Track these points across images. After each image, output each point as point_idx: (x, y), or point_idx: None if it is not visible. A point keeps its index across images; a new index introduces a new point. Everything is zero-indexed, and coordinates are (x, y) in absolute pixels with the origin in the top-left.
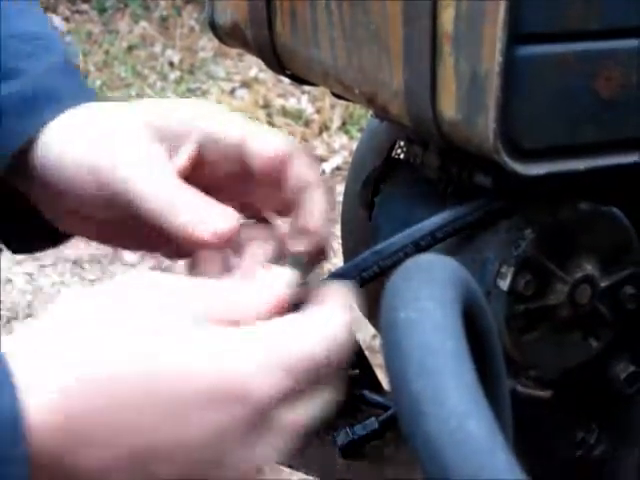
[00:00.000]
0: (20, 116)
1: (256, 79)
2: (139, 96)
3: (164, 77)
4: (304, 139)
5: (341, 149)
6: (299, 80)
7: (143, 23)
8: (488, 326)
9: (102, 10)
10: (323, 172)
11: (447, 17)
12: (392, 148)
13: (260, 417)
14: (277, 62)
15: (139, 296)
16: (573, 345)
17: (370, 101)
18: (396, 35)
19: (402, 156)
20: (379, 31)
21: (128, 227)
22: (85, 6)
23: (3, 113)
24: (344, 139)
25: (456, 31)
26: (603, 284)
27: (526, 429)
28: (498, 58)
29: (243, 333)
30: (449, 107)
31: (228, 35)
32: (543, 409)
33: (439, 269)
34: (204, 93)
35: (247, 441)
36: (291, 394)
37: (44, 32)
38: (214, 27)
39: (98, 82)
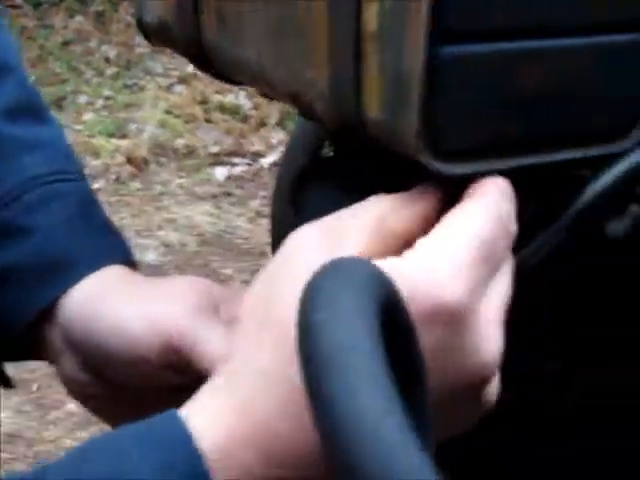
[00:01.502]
0: (38, 282)
1: (194, 75)
2: (74, 92)
3: (100, 73)
4: (242, 135)
5: (279, 145)
6: (227, 79)
7: (79, 18)
8: (407, 328)
9: (36, 4)
10: (261, 168)
11: (371, 15)
12: (321, 146)
13: (465, 320)
14: (204, 61)
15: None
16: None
17: (295, 101)
18: (321, 33)
19: (330, 154)
20: (304, 29)
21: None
22: (19, 0)
23: (17, 280)
24: (282, 135)
25: (380, 30)
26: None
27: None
28: (421, 57)
29: (411, 254)
30: (373, 107)
31: (156, 34)
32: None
33: (356, 270)
34: (141, 89)
35: (466, 346)
36: (480, 285)
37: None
38: (142, 26)
39: (32, 77)
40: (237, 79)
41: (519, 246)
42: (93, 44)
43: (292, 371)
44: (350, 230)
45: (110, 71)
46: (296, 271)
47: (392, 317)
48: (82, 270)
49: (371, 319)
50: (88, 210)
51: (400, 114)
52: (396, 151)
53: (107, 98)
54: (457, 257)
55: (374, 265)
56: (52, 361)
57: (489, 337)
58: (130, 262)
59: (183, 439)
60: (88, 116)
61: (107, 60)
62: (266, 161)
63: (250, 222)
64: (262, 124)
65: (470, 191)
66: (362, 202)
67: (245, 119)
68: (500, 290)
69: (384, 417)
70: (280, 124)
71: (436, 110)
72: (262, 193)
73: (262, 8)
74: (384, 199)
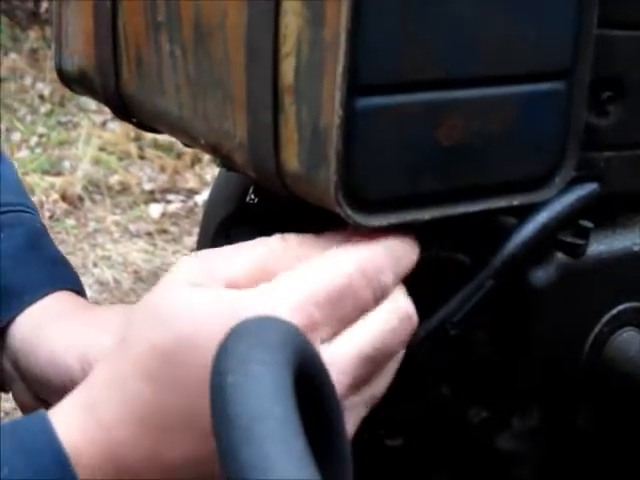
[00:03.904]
0: None
1: None
2: (8, 130)
3: (34, 110)
4: (176, 172)
5: (213, 181)
6: (148, 129)
7: (12, 55)
8: (323, 389)
9: None
10: (195, 205)
11: (288, 68)
12: (245, 193)
13: None
14: (124, 110)
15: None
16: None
17: (215, 151)
18: (239, 84)
19: (254, 201)
20: (222, 80)
21: None
22: None
23: None
24: (216, 172)
25: (297, 82)
26: (453, 331)
27: None
28: (338, 110)
29: (263, 288)
30: (291, 159)
31: (75, 82)
32: (394, 458)
33: (271, 331)
34: (75, 126)
35: None
36: (318, 329)
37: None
38: (61, 74)
39: None
40: (158, 129)
41: (442, 298)
42: (27, 81)
43: (135, 386)
44: (228, 265)
45: (44, 108)
46: (151, 300)
47: (308, 378)
48: (28, 298)
49: (285, 380)
50: (39, 242)
51: (318, 166)
52: (315, 203)
53: (41, 135)
54: (295, 296)
55: (287, 323)
56: (6, 386)
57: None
58: (77, 289)
59: (45, 437)
60: (22, 154)
61: (41, 97)
62: (201, 198)
63: None
64: (196, 161)
65: (355, 239)
66: (256, 240)
67: (179, 156)
68: (357, 335)
69: None
70: (214, 161)
71: (353, 162)
72: (197, 230)
73: (181, 59)
74: (278, 239)
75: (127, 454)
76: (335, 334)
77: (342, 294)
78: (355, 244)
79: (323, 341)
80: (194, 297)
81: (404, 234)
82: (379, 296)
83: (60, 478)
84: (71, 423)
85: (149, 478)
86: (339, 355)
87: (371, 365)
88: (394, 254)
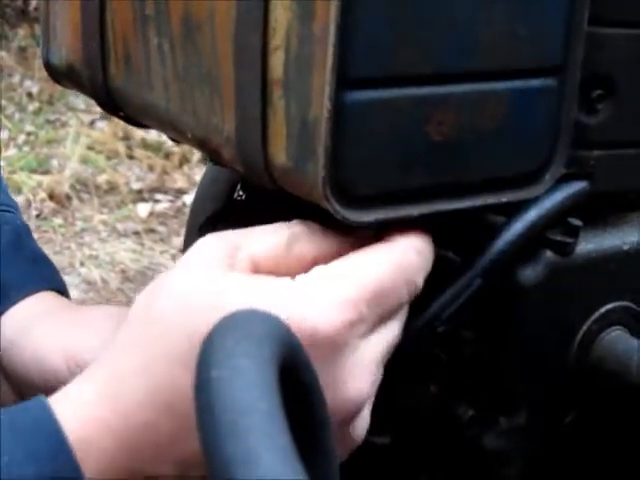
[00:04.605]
0: None
1: None
2: None
3: (22, 108)
4: (165, 171)
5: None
6: (136, 123)
7: (1, 53)
8: (309, 382)
9: None
10: (184, 205)
11: (277, 62)
12: (232, 190)
13: (338, 353)
14: (111, 105)
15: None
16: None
17: (203, 146)
18: (227, 78)
19: (242, 197)
20: (211, 74)
21: None
22: None
23: None
24: (205, 170)
25: (286, 76)
26: (442, 329)
27: (366, 478)
28: (327, 104)
29: (303, 277)
30: (280, 153)
31: (63, 76)
32: (382, 456)
33: (256, 324)
34: (63, 125)
35: (329, 378)
36: (361, 325)
37: None
38: (49, 68)
39: None
40: (145, 123)
41: (430, 295)
42: (15, 79)
43: (166, 369)
44: (250, 247)
45: (32, 106)
46: (179, 283)
47: (293, 371)
48: (13, 298)
49: (270, 374)
50: (21, 241)
51: (306, 160)
52: (303, 197)
53: (29, 134)
54: (345, 291)
55: (273, 316)
56: None
57: (360, 376)
58: (60, 289)
59: (47, 426)
60: (10, 152)
61: (29, 95)
62: (189, 198)
63: (173, 259)
64: (185, 161)
65: (386, 237)
66: (279, 223)
67: (168, 156)
68: (388, 335)
69: None
70: (203, 161)
71: (342, 157)
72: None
73: (169, 53)
74: (300, 224)
75: (144, 442)
76: (372, 331)
77: (386, 292)
78: (389, 243)
79: (360, 337)
80: (230, 284)
81: (425, 232)
82: (413, 296)
83: (58, 466)
84: (85, 412)
85: (163, 467)
86: (371, 354)
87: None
88: (422, 254)
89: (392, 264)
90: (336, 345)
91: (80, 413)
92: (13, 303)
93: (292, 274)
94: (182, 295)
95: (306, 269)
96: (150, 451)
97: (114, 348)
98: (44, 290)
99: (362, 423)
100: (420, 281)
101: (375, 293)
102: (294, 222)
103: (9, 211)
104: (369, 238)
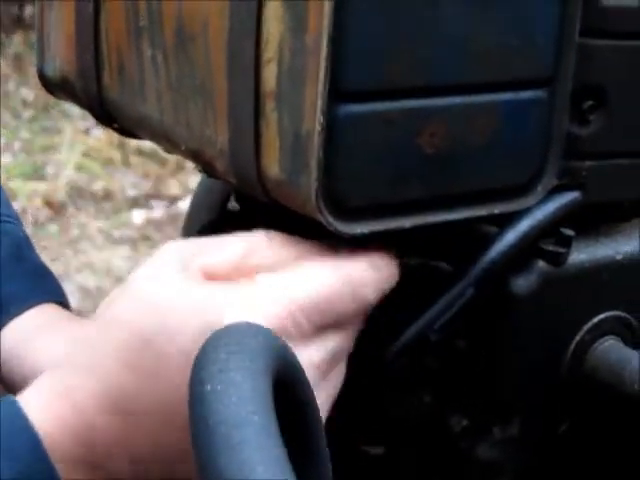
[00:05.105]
0: None
1: None
2: None
3: (18, 115)
4: (160, 178)
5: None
6: (130, 135)
7: None
8: (303, 396)
9: None
10: (179, 212)
11: (269, 74)
12: (226, 200)
13: None
14: (105, 116)
15: None
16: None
17: (196, 158)
18: (221, 90)
19: (236, 208)
20: (204, 85)
21: None
22: None
23: None
24: (199, 178)
25: (279, 88)
26: (435, 339)
27: None
28: (319, 117)
29: (245, 281)
30: (273, 166)
31: (57, 87)
32: (375, 467)
33: (250, 338)
34: (59, 132)
35: None
36: (294, 331)
37: None
38: (43, 78)
39: None
40: (139, 135)
41: (423, 305)
42: (11, 87)
43: (112, 368)
44: (205, 256)
45: (27, 113)
46: (135, 287)
47: (287, 385)
48: (14, 310)
49: (264, 388)
50: (22, 253)
51: (299, 173)
52: (296, 209)
53: (24, 141)
54: (281, 300)
55: (267, 329)
56: None
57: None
58: (61, 301)
59: (19, 422)
60: (5, 159)
61: (24, 103)
62: (184, 204)
63: None
64: (180, 168)
65: (346, 251)
66: (240, 233)
67: (163, 163)
68: (328, 344)
69: None
70: (197, 168)
71: (335, 169)
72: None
73: (162, 65)
74: (261, 233)
75: (98, 438)
76: (310, 338)
77: (328, 303)
78: (341, 256)
79: (294, 342)
80: (182, 287)
81: (386, 250)
82: (360, 311)
83: (33, 462)
84: (44, 408)
85: (118, 464)
86: (305, 359)
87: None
88: (377, 269)
89: (337, 276)
90: None
91: (41, 410)
92: (13, 316)
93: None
94: (134, 293)
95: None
96: (104, 448)
97: (73, 347)
98: (45, 303)
99: None
100: (371, 296)
101: (314, 303)
102: (255, 232)
103: (9, 222)
104: (332, 249)
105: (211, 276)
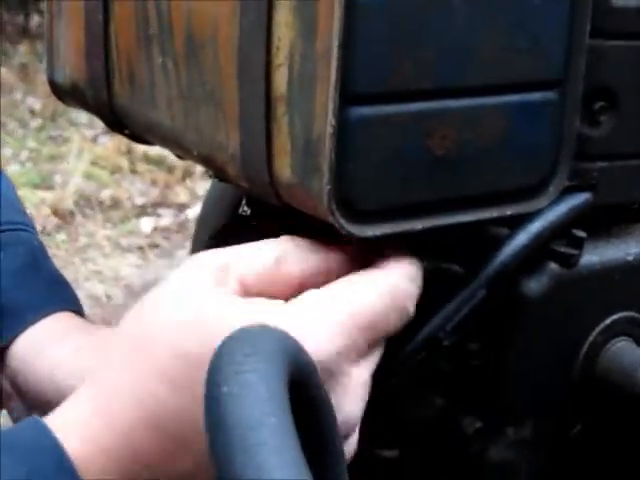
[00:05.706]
0: None
1: None
2: None
3: (25, 125)
4: (167, 186)
5: (205, 195)
6: (140, 140)
7: (3, 69)
8: (318, 397)
9: None
10: (187, 219)
11: (280, 79)
12: (238, 204)
13: (332, 380)
14: (116, 123)
15: None
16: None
17: (208, 163)
18: (231, 96)
19: (247, 213)
20: (214, 91)
21: None
22: None
23: None
24: (207, 185)
25: (290, 93)
26: (447, 341)
27: None
28: (330, 120)
29: (296, 302)
30: (284, 170)
31: (67, 94)
32: (389, 469)
33: (265, 340)
34: (66, 140)
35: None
36: (353, 352)
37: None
38: (54, 85)
39: None
40: (150, 140)
41: (437, 307)
42: (18, 96)
43: (152, 387)
44: (239, 267)
45: (35, 123)
46: (168, 302)
47: (302, 387)
48: (30, 318)
49: (280, 389)
50: (37, 261)
51: (311, 176)
52: (308, 213)
53: (32, 150)
54: (339, 317)
55: (282, 331)
56: (3, 404)
57: (352, 400)
58: (76, 310)
59: (47, 443)
60: (13, 168)
61: (32, 112)
62: (192, 212)
63: None
64: (187, 174)
65: (379, 263)
66: (267, 240)
67: (170, 170)
68: (375, 360)
69: None
70: (205, 175)
71: (346, 172)
72: (189, 244)
73: (173, 71)
74: (288, 240)
75: (141, 460)
76: (362, 356)
77: (378, 319)
78: (383, 270)
79: (351, 362)
80: (224, 305)
81: (418, 260)
82: (404, 322)
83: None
84: (80, 431)
85: None
86: (360, 378)
87: None
88: (413, 280)
89: (385, 291)
90: (329, 371)
91: (75, 431)
92: (29, 324)
93: (280, 293)
94: (172, 314)
95: (294, 287)
96: (146, 470)
97: (105, 365)
98: (60, 311)
99: (352, 445)
100: (411, 308)
101: (368, 320)
102: (283, 238)
103: (25, 230)
104: (359, 255)
105: (246, 289)
